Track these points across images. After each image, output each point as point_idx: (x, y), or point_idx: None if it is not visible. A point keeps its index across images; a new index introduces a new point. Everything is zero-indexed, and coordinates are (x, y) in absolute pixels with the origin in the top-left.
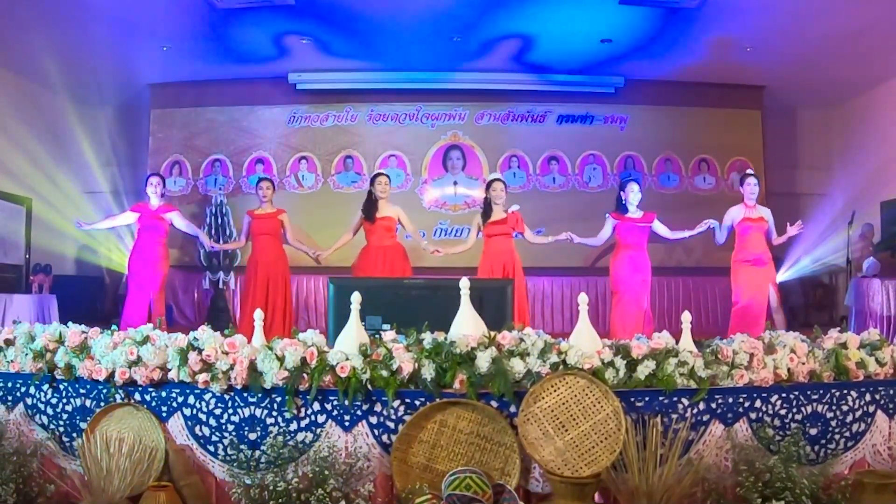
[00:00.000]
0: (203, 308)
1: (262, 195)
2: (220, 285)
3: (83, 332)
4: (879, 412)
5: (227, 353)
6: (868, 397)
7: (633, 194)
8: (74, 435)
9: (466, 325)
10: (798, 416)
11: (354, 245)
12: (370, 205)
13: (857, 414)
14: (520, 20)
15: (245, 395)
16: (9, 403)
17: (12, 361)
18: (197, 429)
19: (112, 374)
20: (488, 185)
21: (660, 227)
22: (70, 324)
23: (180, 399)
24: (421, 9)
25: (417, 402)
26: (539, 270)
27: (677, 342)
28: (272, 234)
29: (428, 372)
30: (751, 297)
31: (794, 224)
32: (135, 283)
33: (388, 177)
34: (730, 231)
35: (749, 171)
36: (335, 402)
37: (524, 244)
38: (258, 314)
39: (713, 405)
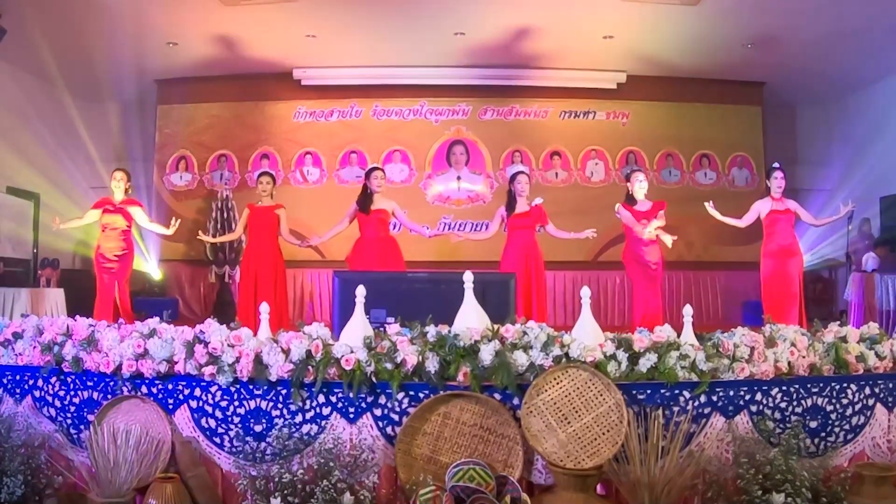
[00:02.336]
0: (209, 301)
1: (261, 189)
2: (226, 279)
3: (90, 325)
4: (879, 405)
5: (232, 346)
6: (867, 391)
7: (639, 184)
8: (82, 427)
9: (470, 319)
10: (798, 409)
11: (351, 238)
12: (365, 197)
13: (857, 407)
14: (523, 16)
15: (251, 387)
16: (17, 396)
17: (21, 354)
18: (203, 421)
19: (119, 367)
20: (513, 178)
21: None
22: (77, 317)
23: (187, 391)
24: (424, 5)
25: (421, 395)
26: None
27: (679, 335)
28: (268, 228)
29: (432, 364)
30: (781, 288)
31: (845, 205)
32: (102, 277)
33: (383, 171)
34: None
35: (775, 164)
36: (340, 395)
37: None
38: (264, 307)
39: (714, 398)
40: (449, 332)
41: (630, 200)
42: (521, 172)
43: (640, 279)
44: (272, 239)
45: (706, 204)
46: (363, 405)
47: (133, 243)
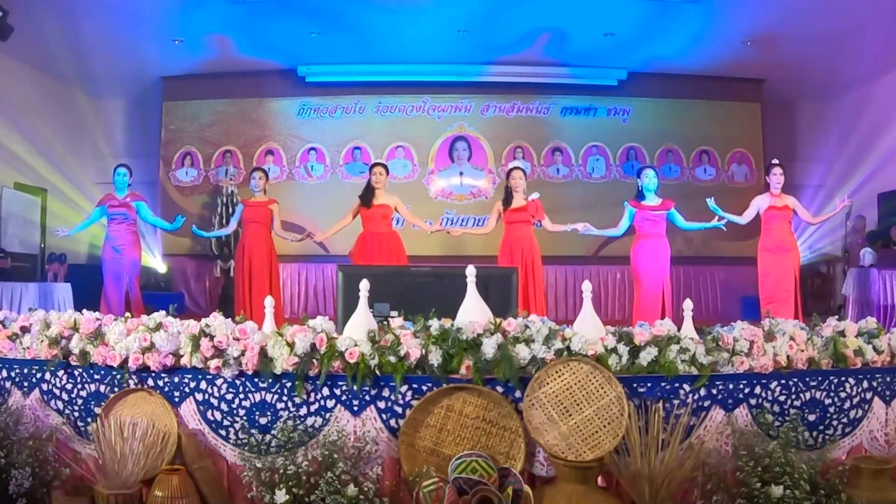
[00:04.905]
0: (214, 296)
1: (254, 184)
2: (231, 273)
3: (97, 319)
4: (876, 399)
5: (238, 340)
6: (865, 384)
7: (649, 180)
8: (89, 420)
9: (472, 312)
10: (797, 403)
11: (355, 233)
12: (367, 192)
13: (855, 400)
14: (524, 14)
15: (256, 380)
16: (25, 389)
17: (28, 348)
18: (209, 413)
19: (126, 361)
20: (508, 174)
21: (676, 217)
22: (84, 311)
23: (192, 384)
24: (428, 2)
25: (424, 388)
26: (544, 259)
27: (679, 329)
28: (261, 223)
29: (435, 358)
30: (778, 284)
31: (841, 201)
32: (110, 271)
33: (384, 167)
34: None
35: (774, 161)
36: (344, 388)
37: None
38: (269, 301)
39: (714, 391)
40: (452, 325)
41: (639, 196)
42: (516, 168)
43: (648, 276)
44: (266, 233)
45: (708, 200)
46: (367, 398)
47: (140, 238)
